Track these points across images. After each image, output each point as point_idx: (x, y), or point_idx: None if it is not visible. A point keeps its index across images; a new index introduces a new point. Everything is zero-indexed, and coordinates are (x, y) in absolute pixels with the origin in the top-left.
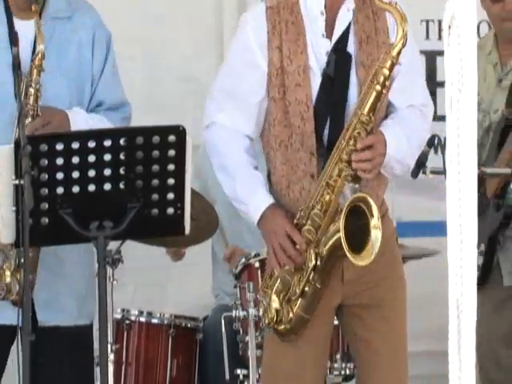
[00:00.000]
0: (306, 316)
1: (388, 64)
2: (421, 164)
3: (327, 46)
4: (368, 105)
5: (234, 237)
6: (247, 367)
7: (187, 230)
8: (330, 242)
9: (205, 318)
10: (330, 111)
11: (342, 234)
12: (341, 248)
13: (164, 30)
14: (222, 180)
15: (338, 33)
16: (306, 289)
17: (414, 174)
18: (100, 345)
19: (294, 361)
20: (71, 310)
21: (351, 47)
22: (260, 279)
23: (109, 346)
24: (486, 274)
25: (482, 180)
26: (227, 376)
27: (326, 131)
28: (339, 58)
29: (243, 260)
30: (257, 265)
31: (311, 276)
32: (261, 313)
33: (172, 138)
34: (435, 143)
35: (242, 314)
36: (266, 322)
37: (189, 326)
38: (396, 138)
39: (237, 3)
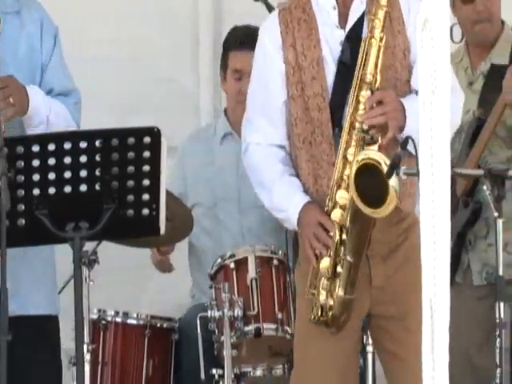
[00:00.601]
0: (347, 296)
1: (379, 13)
2: (395, 165)
3: (341, 35)
4: (369, 63)
5: (213, 240)
6: (222, 367)
7: (162, 231)
8: (350, 209)
9: (180, 318)
10: (346, 99)
11: (352, 189)
12: (359, 210)
13: (139, 32)
14: (261, 195)
15: (351, 23)
16: (339, 267)
17: (388, 175)
18: (76, 345)
19: (323, 357)
20: (35, 299)
21: (365, 41)
22: (235, 280)
23: (85, 346)
24: (452, 272)
25: (452, 179)
26: (202, 376)
27: (344, 122)
28: (354, 46)
29: (219, 261)
30: (232, 266)
31: (340, 252)
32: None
33: (147, 139)
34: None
35: (217, 314)
36: (313, 316)
37: (164, 326)
38: (414, 106)
39: (211, 3)
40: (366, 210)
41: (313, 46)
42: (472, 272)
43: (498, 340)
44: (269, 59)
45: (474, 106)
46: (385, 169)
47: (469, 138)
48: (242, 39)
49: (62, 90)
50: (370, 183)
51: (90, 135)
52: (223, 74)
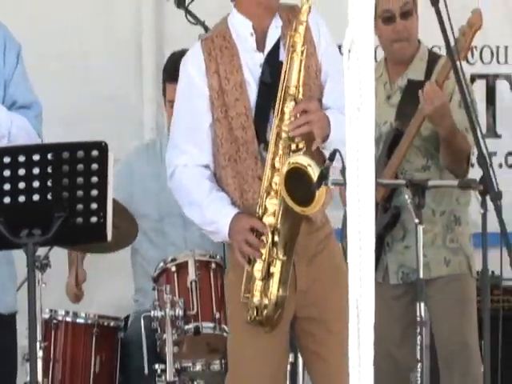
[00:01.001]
0: (281, 294)
1: (300, 28)
2: (323, 176)
3: (260, 58)
4: (292, 76)
5: (158, 247)
6: (164, 362)
7: (109, 237)
8: (281, 209)
9: (126, 318)
10: (269, 116)
11: (283, 190)
12: (290, 209)
13: (86, 49)
14: (191, 213)
15: (269, 46)
16: (272, 267)
17: (318, 185)
18: (29, 342)
19: (256, 354)
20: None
21: (282, 57)
22: (176, 282)
23: (38, 344)
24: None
25: None
26: (146, 371)
27: (269, 135)
28: (273, 66)
29: (161, 264)
30: (173, 269)
31: (273, 253)
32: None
33: (95, 152)
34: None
35: (159, 314)
36: (250, 316)
37: (111, 325)
38: (336, 118)
39: (154, 26)
40: (296, 208)
41: (235, 70)
42: (389, 272)
43: (419, 338)
44: (193, 86)
45: (391, 118)
46: (311, 171)
47: (387, 147)
48: (177, 72)
49: (25, 102)
50: (299, 185)
51: (42, 149)
52: (163, 100)
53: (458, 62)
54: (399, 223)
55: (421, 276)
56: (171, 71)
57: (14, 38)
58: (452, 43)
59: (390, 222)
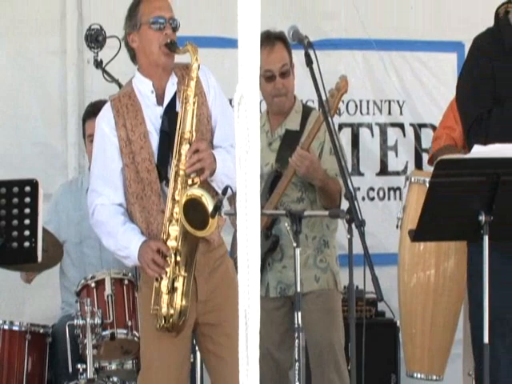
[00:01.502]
0: (185, 304)
1: (191, 84)
2: (217, 207)
3: (160, 111)
4: (186, 123)
5: (79, 266)
6: (85, 362)
7: (39, 259)
8: (181, 234)
9: (53, 325)
10: (169, 158)
11: (182, 217)
12: (188, 233)
13: (19, 102)
14: (108, 242)
15: (167, 100)
16: (176, 283)
17: (212, 215)
18: None
19: (164, 356)
20: None
21: (178, 108)
22: (95, 295)
23: None
24: None
25: None
26: (70, 369)
27: (170, 173)
28: (170, 117)
29: (82, 281)
30: (93, 285)
31: (176, 270)
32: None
33: (28, 188)
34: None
35: (81, 322)
36: (159, 324)
37: (41, 331)
38: (221, 156)
39: (77, 85)
40: (193, 232)
41: (139, 123)
42: (270, 288)
43: (297, 341)
44: (106, 138)
45: (272, 161)
46: (205, 200)
47: (268, 185)
48: (95, 111)
49: None
50: (195, 212)
51: None
52: (84, 141)
53: (328, 118)
54: (278, 247)
55: (298, 290)
56: (89, 110)
57: None
58: (324, 98)
59: (270, 246)
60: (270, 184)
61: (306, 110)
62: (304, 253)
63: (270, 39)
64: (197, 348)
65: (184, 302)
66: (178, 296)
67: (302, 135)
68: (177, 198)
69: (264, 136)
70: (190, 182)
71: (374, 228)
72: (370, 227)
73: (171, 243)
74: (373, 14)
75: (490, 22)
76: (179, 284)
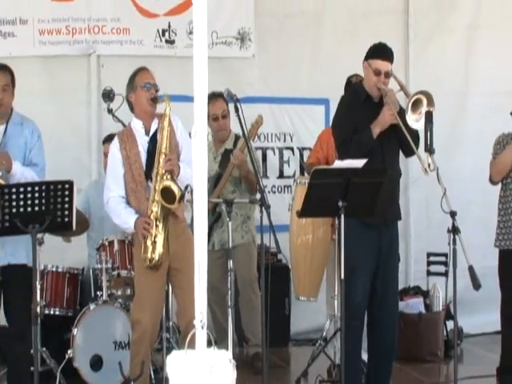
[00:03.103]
0: (161, 251)
1: (165, 121)
2: (181, 196)
3: (147, 139)
4: (163, 145)
5: (99, 232)
6: (102, 291)
7: (74, 228)
8: (159, 209)
9: (83, 268)
10: (152, 166)
11: (159, 197)
12: (163, 207)
13: (62, 137)
14: (117, 220)
15: (151, 132)
16: (156, 238)
17: (180, 200)
18: (33, 279)
19: (150, 286)
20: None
21: (158, 137)
22: (108, 251)
23: (37, 282)
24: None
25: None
26: (92, 295)
27: (153, 175)
28: (153, 142)
29: (100, 241)
30: (106, 243)
31: (156, 231)
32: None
33: (67, 185)
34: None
35: (99, 266)
36: (146, 264)
37: (75, 272)
38: (183, 166)
39: (97, 120)
40: (167, 205)
41: (134, 147)
42: (215, 244)
43: (229, 278)
44: (114, 156)
45: (216, 168)
46: (173, 187)
47: (213, 183)
48: (108, 139)
49: (35, 163)
50: (167, 195)
51: (42, 183)
52: (103, 158)
53: (248, 142)
54: (220, 219)
55: (230, 246)
56: (105, 139)
57: (37, 129)
58: (246, 132)
59: (215, 219)
60: (214, 183)
61: (236, 138)
62: (235, 223)
63: (215, 96)
64: (169, 282)
65: (161, 250)
66: (157, 246)
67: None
68: (157, 187)
69: (211, 154)
70: (164, 177)
71: (276, 209)
72: (273, 209)
73: (153, 215)
74: (277, 81)
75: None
76: (158, 239)
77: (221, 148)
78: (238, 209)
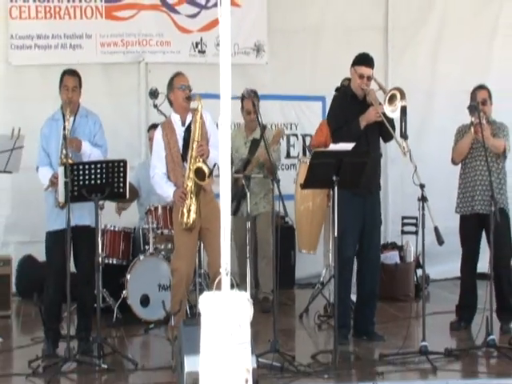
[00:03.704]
0: (195, 216)
1: (197, 115)
2: (210, 173)
3: (183, 129)
4: (196, 134)
5: (147, 200)
6: (149, 245)
7: (127, 197)
8: (193, 184)
9: (134, 228)
10: (187, 150)
11: (192, 175)
12: (196, 184)
13: (117, 126)
14: (160, 191)
15: (187, 124)
16: (190, 207)
17: (209, 175)
18: (96, 236)
19: (186, 242)
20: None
21: (192, 127)
22: (154, 214)
23: (99, 238)
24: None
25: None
26: (141, 248)
27: (188, 157)
28: (188, 131)
29: (148, 207)
30: (153, 209)
31: (191, 201)
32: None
33: (122, 163)
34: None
35: (147, 226)
36: (183, 227)
37: (128, 231)
38: (212, 150)
39: (145, 113)
40: (199, 182)
41: (173, 135)
42: (244, 212)
43: (249, 236)
44: (158, 141)
45: (246, 152)
46: (205, 168)
47: (243, 164)
48: (153, 128)
49: (100, 144)
50: (200, 174)
51: (103, 162)
52: (149, 142)
53: (264, 135)
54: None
55: (249, 211)
56: (150, 127)
57: (99, 119)
58: (261, 123)
59: (244, 195)
60: (244, 165)
61: (263, 127)
62: (259, 196)
63: (249, 95)
64: (200, 239)
65: (194, 216)
66: (191, 213)
67: (260, 141)
68: (191, 168)
69: (242, 139)
70: (197, 160)
71: (284, 183)
72: (282, 182)
73: (188, 189)
74: (285, 82)
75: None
76: (192, 208)
77: (250, 136)
78: (262, 186)
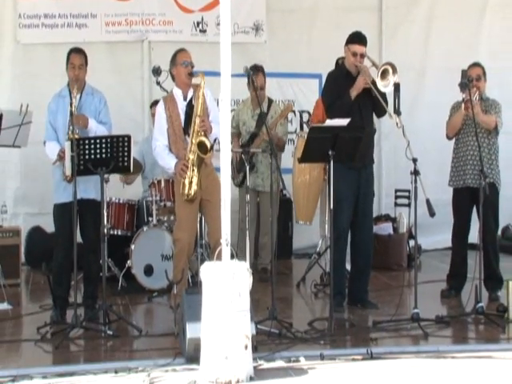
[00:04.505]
0: (196, 188)
1: (200, 91)
2: (211, 147)
3: (185, 103)
4: (198, 109)
5: (150, 173)
6: (153, 217)
7: (131, 171)
8: (195, 157)
9: (138, 200)
10: (189, 124)
11: (195, 148)
12: (198, 156)
13: (122, 102)
14: (162, 163)
15: (188, 99)
16: (193, 179)
17: (210, 149)
18: (101, 209)
19: (187, 213)
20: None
21: (194, 102)
22: (157, 187)
23: (105, 210)
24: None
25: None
26: (145, 220)
27: (190, 131)
28: (190, 106)
29: (151, 180)
30: (156, 182)
31: (193, 174)
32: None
33: (126, 138)
34: None
35: (151, 199)
36: (184, 198)
37: (133, 203)
38: (213, 125)
39: (148, 90)
40: (201, 155)
41: (175, 108)
42: (249, 185)
43: (248, 208)
44: (160, 114)
45: (253, 125)
46: (206, 142)
47: (249, 138)
48: (155, 103)
49: (105, 122)
50: (202, 147)
51: (108, 137)
52: (151, 117)
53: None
54: (254, 168)
55: (248, 184)
56: (153, 102)
57: (104, 97)
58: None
59: (251, 167)
60: (250, 137)
61: (269, 101)
62: (266, 172)
63: (257, 69)
64: (201, 210)
65: (195, 188)
66: (193, 185)
67: (267, 114)
68: (193, 141)
69: (250, 112)
70: (200, 134)
71: (282, 156)
72: (283, 156)
73: (190, 162)
74: (283, 60)
75: (333, 64)
76: (193, 180)
77: (257, 109)
78: (267, 167)
